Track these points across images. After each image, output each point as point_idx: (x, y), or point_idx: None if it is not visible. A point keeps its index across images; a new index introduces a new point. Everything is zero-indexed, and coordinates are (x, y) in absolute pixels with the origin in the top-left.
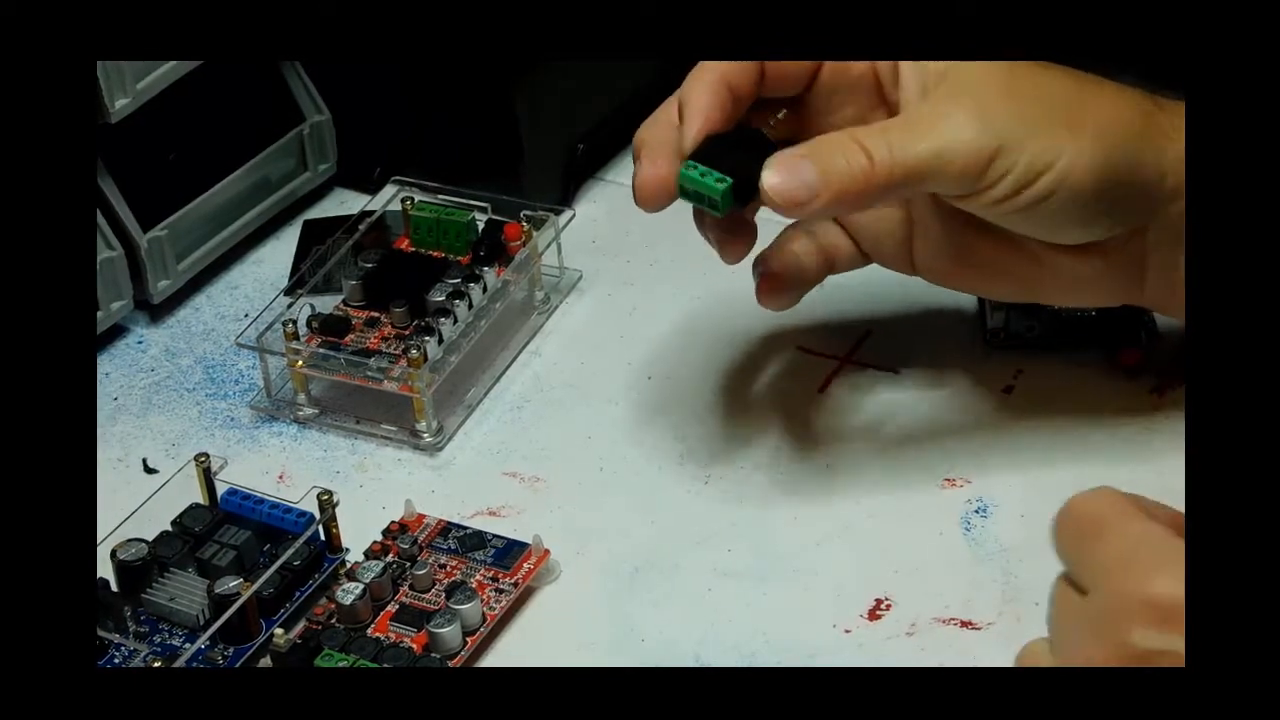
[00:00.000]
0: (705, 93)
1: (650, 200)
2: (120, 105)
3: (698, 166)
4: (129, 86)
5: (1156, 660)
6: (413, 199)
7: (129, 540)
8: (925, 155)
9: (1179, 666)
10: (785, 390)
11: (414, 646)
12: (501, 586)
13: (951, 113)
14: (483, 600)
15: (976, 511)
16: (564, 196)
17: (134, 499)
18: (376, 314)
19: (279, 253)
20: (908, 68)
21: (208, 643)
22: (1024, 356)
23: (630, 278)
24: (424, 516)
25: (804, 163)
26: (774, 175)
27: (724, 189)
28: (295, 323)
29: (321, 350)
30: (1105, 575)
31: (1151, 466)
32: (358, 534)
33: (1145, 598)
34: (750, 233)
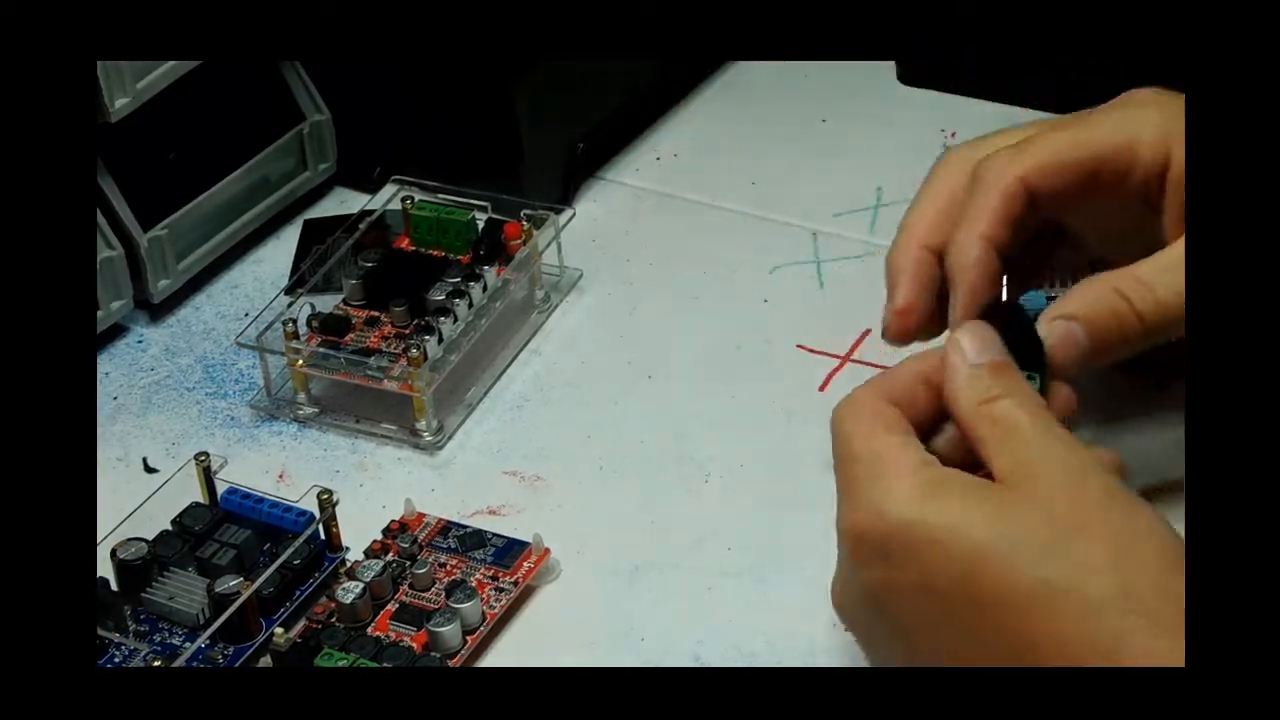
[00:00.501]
0: (975, 248)
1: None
2: (120, 105)
3: None
4: (129, 86)
5: (885, 595)
6: (413, 198)
7: (129, 539)
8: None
9: (905, 595)
10: (785, 390)
11: (414, 645)
12: (501, 585)
13: None
14: (483, 599)
15: None
16: (564, 195)
17: (134, 498)
18: (376, 313)
19: (279, 252)
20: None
21: (208, 642)
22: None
23: (630, 277)
24: (424, 515)
25: (1075, 330)
26: (1060, 354)
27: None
28: (295, 322)
29: (321, 349)
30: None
31: (1152, 466)
32: (358, 533)
33: (847, 528)
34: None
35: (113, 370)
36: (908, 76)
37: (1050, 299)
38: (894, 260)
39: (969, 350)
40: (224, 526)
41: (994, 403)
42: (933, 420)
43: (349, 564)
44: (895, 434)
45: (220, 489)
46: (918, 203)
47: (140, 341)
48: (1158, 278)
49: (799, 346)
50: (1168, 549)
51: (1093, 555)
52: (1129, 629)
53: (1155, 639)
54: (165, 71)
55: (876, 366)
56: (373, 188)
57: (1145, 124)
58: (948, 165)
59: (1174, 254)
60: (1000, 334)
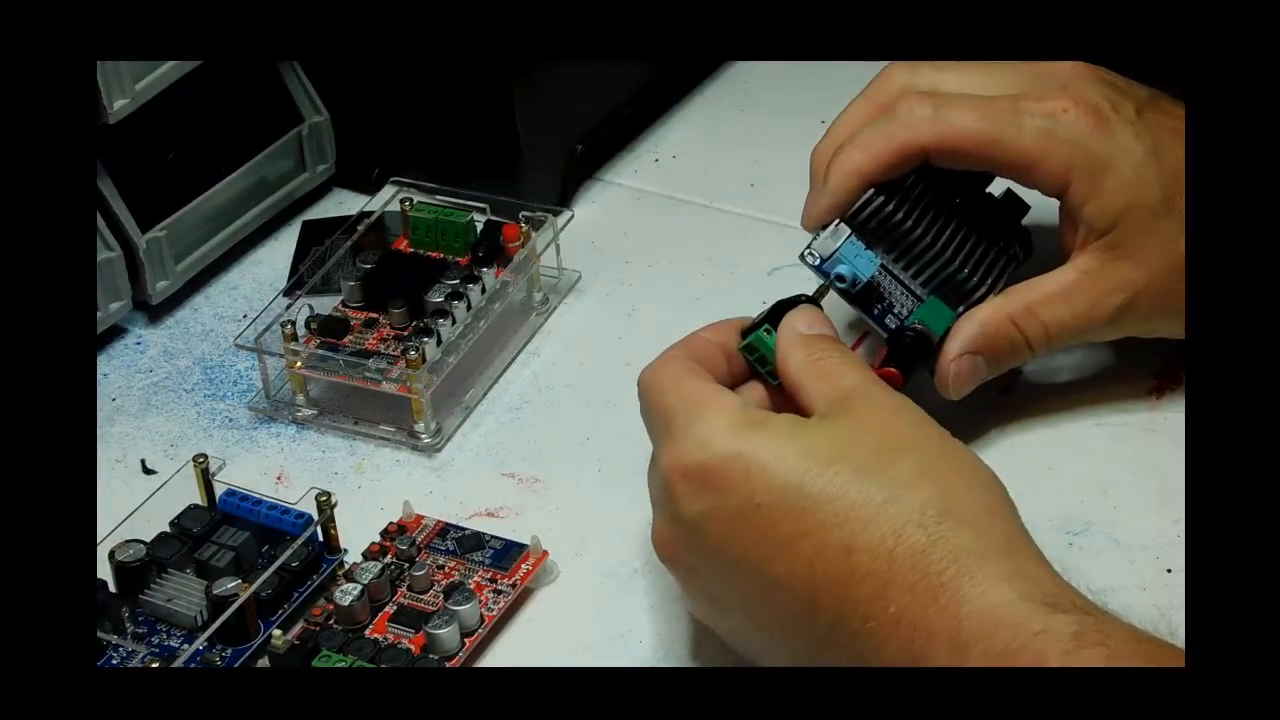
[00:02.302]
0: (850, 178)
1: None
2: (119, 106)
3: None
4: (128, 87)
5: (707, 525)
6: (411, 200)
7: (127, 541)
8: (1073, 328)
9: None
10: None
11: (412, 648)
12: (500, 587)
13: (1111, 291)
14: (481, 601)
15: None
16: (563, 197)
17: (132, 500)
18: (375, 315)
19: (277, 253)
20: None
21: (206, 644)
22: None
23: (629, 278)
24: (422, 517)
25: (979, 362)
26: (955, 388)
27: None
28: (294, 323)
29: (320, 351)
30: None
31: (1152, 467)
32: (356, 535)
33: (669, 465)
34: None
35: (111, 372)
36: None
37: (882, 266)
38: (816, 157)
39: (801, 326)
40: (222, 528)
41: (821, 360)
42: (729, 385)
43: (347, 566)
44: (708, 382)
45: (219, 491)
46: (850, 108)
47: (139, 343)
48: (1045, 310)
49: None
50: (975, 469)
51: (905, 470)
52: (941, 535)
53: (963, 538)
54: (164, 72)
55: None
56: (371, 189)
57: (1057, 146)
58: (886, 80)
59: (1061, 282)
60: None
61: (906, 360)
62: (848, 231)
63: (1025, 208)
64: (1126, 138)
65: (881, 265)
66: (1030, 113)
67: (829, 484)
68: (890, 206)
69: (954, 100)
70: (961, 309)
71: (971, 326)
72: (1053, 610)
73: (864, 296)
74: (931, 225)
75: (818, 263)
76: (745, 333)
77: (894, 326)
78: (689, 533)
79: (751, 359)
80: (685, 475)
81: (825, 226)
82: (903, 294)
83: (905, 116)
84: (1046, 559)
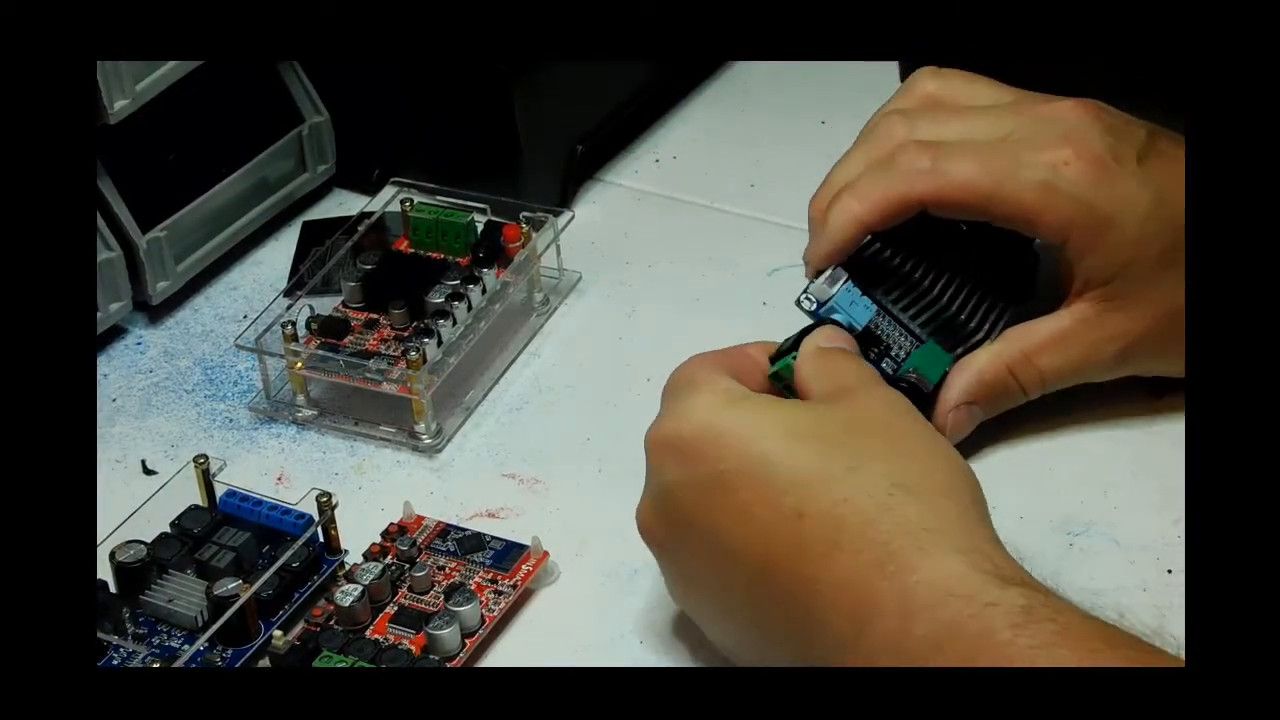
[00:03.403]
0: (849, 227)
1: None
2: (120, 106)
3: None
4: (128, 87)
5: (679, 493)
6: (412, 200)
7: (128, 542)
8: (1069, 374)
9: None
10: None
11: (413, 648)
12: (500, 588)
13: (1108, 339)
14: (481, 602)
15: None
16: (563, 198)
17: (133, 500)
18: (375, 315)
19: (278, 254)
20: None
21: (206, 644)
22: None
23: (629, 279)
24: (423, 518)
25: (976, 411)
26: (951, 436)
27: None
28: (294, 324)
29: (320, 352)
30: None
31: (1152, 467)
32: (356, 536)
33: (650, 438)
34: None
35: (111, 372)
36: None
37: (879, 308)
38: (814, 206)
39: (821, 341)
40: (223, 529)
41: (831, 361)
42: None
43: (348, 567)
44: (717, 372)
45: (219, 491)
46: (848, 158)
47: (139, 343)
48: (1041, 357)
49: None
50: (948, 454)
51: (871, 447)
52: (893, 505)
53: (915, 510)
54: (165, 73)
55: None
56: (372, 189)
57: (1057, 200)
58: (884, 129)
59: (1057, 329)
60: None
61: None
62: (844, 277)
63: (1029, 242)
64: (1129, 188)
65: (879, 308)
66: (1030, 164)
67: (791, 453)
68: (888, 252)
69: (953, 151)
70: (960, 350)
71: (968, 377)
72: (1004, 584)
73: (860, 342)
74: (929, 270)
75: (814, 308)
76: (773, 359)
77: (890, 372)
78: (663, 503)
79: (779, 385)
80: (663, 445)
81: (822, 273)
82: (901, 335)
83: (904, 168)
84: (1001, 542)
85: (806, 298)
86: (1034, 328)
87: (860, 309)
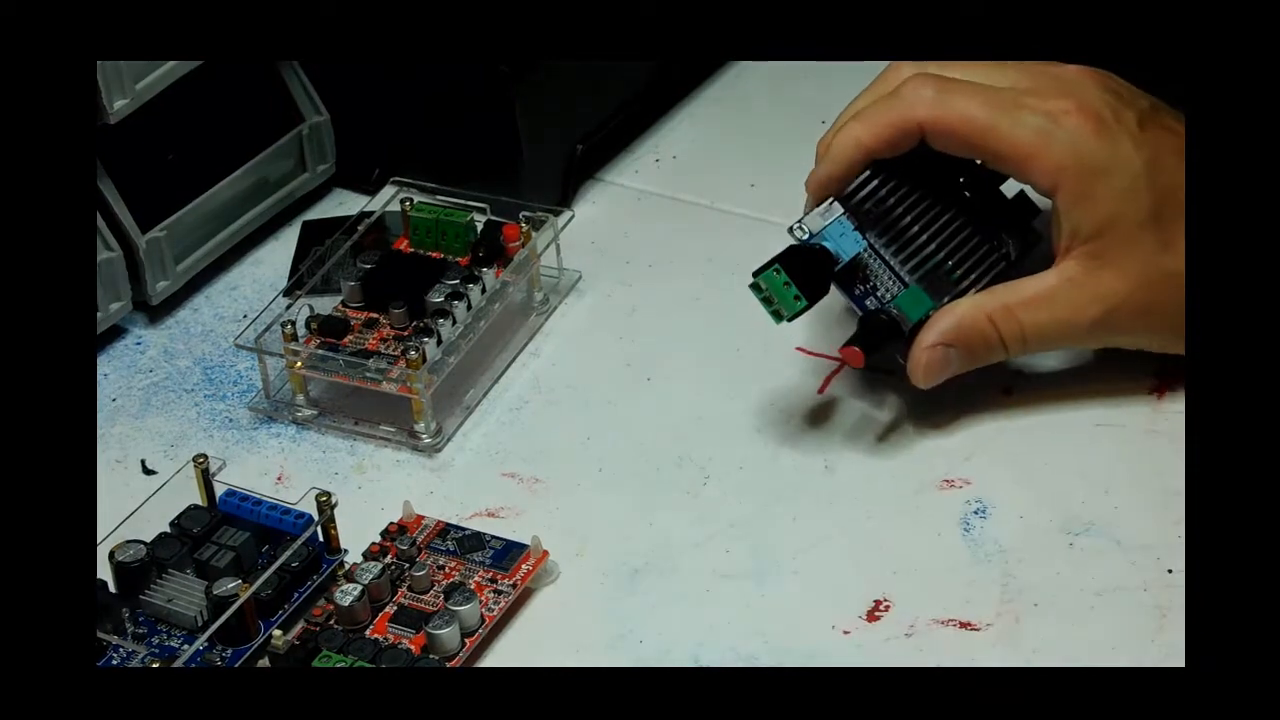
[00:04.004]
0: (851, 150)
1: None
2: (119, 106)
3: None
4: (128, 87)
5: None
6: (412, 200)
7: (127, 541)
8: (1051, 333)
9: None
10: (785, 390)
11: (412, 648)
12: (500, 588)
13: (1091, 299)
14: (481, 601)
15: (975, 513)
16: (563, 197)
17: (132, 500)
18: (375, 315)
19: (278, 254)
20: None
21: (206, 644)
22: (1024, 357)
23: (629, 278)
24: (422, 518)
25: (952, 354)
26: (925, 377)
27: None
28: (294, 324)
29: (320, 351)
30: None
31: (1152, 467)
32: (356, 535)
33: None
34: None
35: (111, 372)
36: None
37: (870, 247)
38: (821, 145)
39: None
40: (222, 529)
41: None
42: None
43: (347, 566)
44: None
45: (219, 491)
46: (858, 98)
47: (139, 343)
48: (1023, 311)
49: (798, 349)
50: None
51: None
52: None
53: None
54: (164, 72)
55: (876, 369)
56: (371, 189)
57: (1052, 145)
58: (894, 71)
59: (1042, 286)
60: (801, 265)
61: (872, 341)
62: (839, 210)
63: (1035, 211)
64: (1125, 148)
65: (869, 247)
66: (1031, 109)
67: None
68: (885, 190)
69: (958, 85)
70: (944, 300)
71: (948, 319)
72: None
73: (846, 276)
74: (924, 214)
75: (805, 237)
76: (756, 272)
77: (872, 308)
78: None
79: (757, 296)
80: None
81: (821, 203)
82: (888, 278)
83: (908, 95)
84: None
85: (799, 226)
86: (1019, 284)
87: (850, 242)
